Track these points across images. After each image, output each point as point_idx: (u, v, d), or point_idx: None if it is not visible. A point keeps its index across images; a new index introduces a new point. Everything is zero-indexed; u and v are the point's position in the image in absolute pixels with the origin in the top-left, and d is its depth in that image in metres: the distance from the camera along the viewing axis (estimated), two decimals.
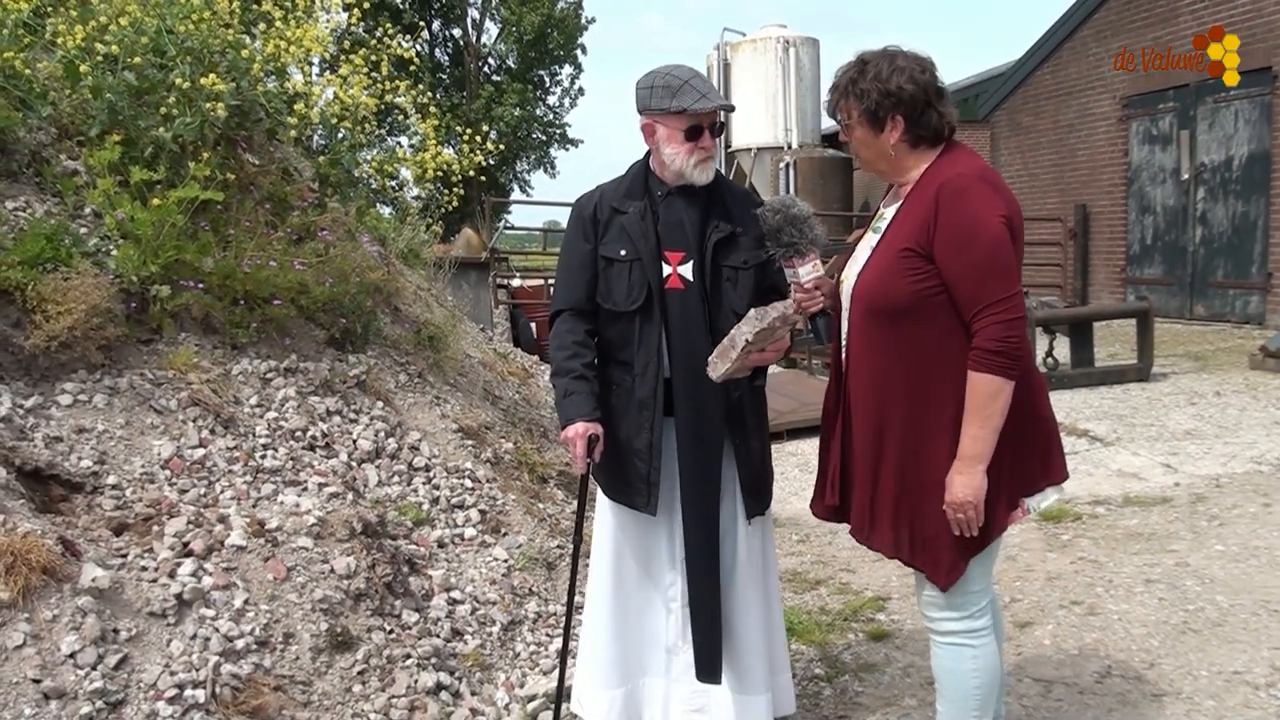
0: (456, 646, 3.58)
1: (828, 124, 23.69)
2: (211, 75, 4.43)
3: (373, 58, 5.49)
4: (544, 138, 36.63)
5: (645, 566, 3.08)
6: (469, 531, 4.19)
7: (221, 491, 3.63)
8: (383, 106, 5.62)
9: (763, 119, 20.02)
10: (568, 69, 36.35)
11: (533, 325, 12.91)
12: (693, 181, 2.91)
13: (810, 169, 19.75)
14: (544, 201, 40.40)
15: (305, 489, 3.82)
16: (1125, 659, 3.79)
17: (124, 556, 3.16)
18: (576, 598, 3.30)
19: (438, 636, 3.55)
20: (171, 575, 3.15)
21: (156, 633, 2.99)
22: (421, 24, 31.95)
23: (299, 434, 4.08)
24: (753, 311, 2.74)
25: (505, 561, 4.11)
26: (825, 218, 19.04)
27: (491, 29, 35.46)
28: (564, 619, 3.27)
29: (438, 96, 29.12)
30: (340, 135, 5.34)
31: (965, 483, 2.49)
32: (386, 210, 7.98)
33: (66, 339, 3.65)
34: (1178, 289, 13.24)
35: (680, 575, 3.03)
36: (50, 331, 3.62)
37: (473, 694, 3.43)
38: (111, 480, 3.43)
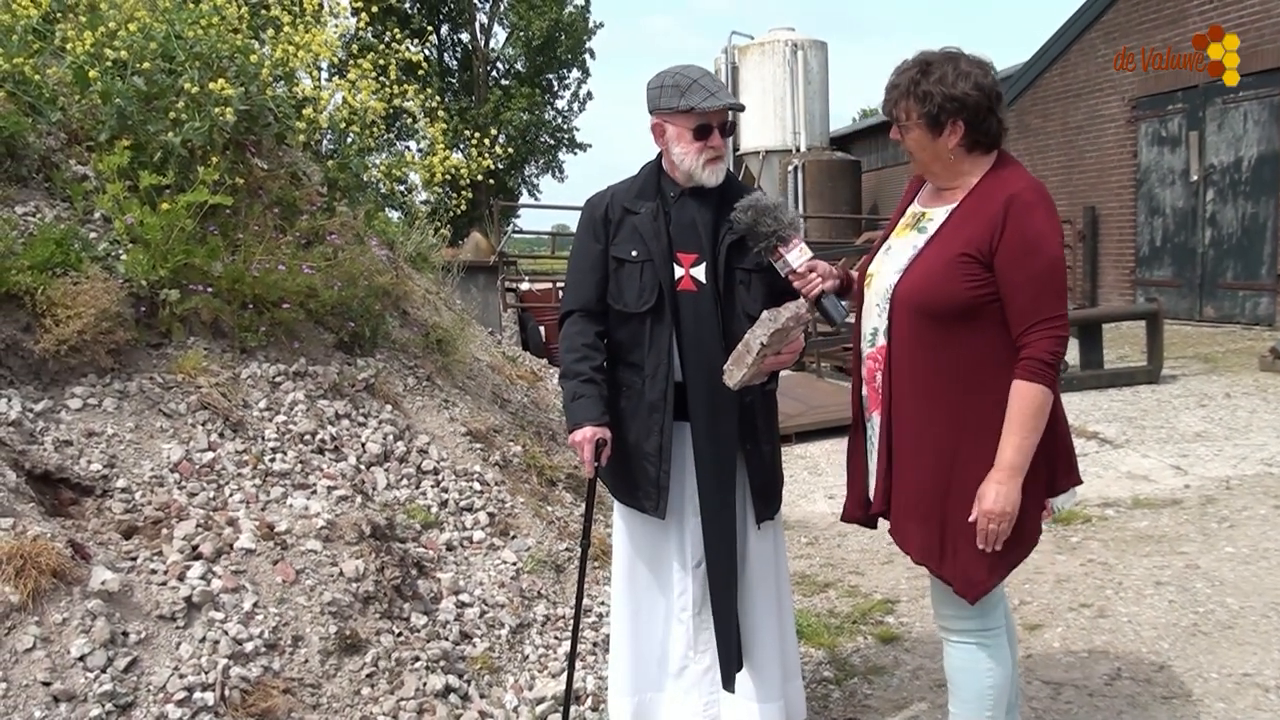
0: (465, 649, 3.59)
1: (836, 126, 23.71)
2: (220, 80, 4.44)
3: (380, 62, 5.50)
4: (552, 142, 36.73)
5: (656, 572, 3.06)
6: (477, 534, 4.19)
7: (230, 495, 3.64)
8: (391, 111, 5.62)
9: (771, 122, 20.05)
10: (575, 73, 36.45)
11: (541, 329, 12.91)
12: (702, 183, 2.89)
13: (818, 172, 19.76)
14: (552, 205, 40.49)
15: (314, 492, 3.83)
16: (1135, 661, 3.77)
17: (133, 560, 3.17)
18: (587, 603, 3.30)
19: (446, 639, 3.55)
20: (181, 578, 3.16)
21: (166, 635, 2.99)
22: (430, 29, 32.05)
23: (308, 437, 4.09)
24: (765, 314, 2.72)
25: (514, 564, 4.11)
26: (833, 220, 19.07)
27: (499, 33, 35.59)
28: (572, 622, 3.27)
29: (446, 101, 29.19)
30: (349, 140, 5.35)
31: (1004, 493, 2.47)
32: (395, 214, 8.01)
33: (76, 343, 3.67)
34: (1187, 290, 13.19)
35: (692, 582, 3.01)
36: (60, 335, 3.63)
37: (481, 697, 3.43)
38: (121, 484, 3.44)
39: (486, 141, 6.25)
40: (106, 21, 4.44)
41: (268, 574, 3.35)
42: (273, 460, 3.88)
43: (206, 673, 2.92)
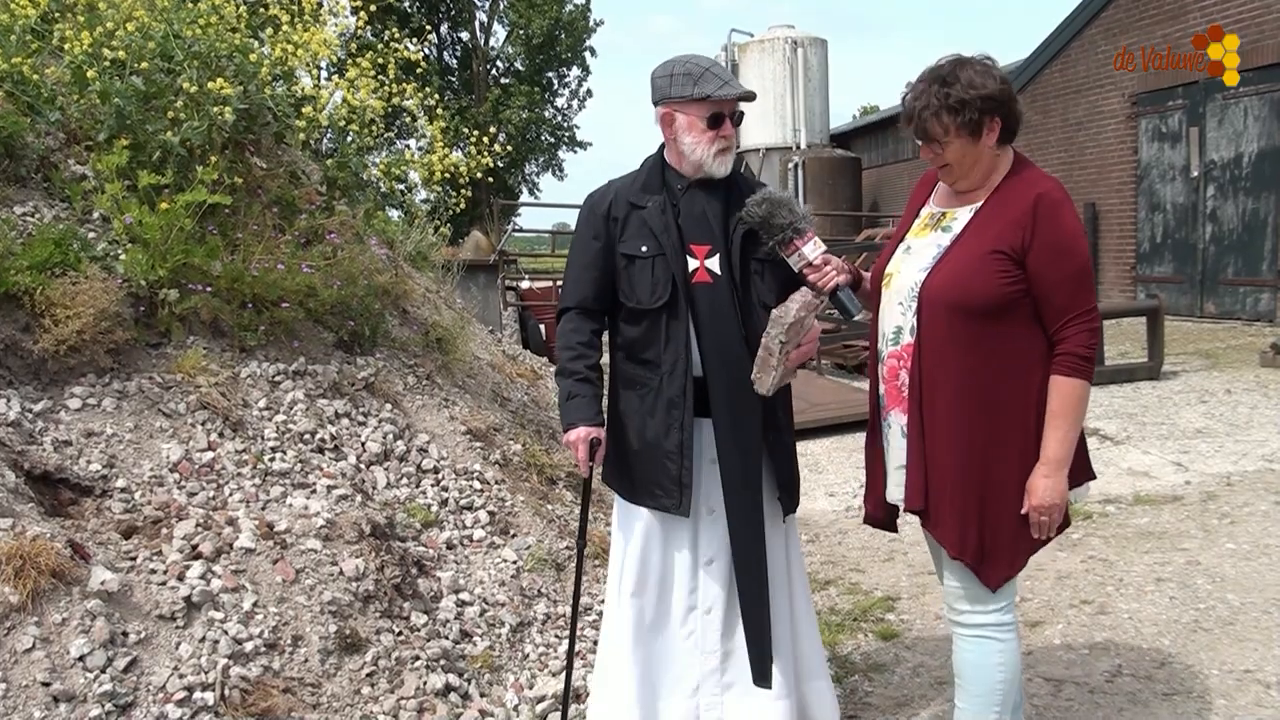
0: (465, 648, 3.59)
1: (836, 124, 23.71)
2: (219, 79, 4.44)
3: (380, 61, 5.50)
4: (552, 140, 36.72)
5: (664, 572, 2.97)
6: (478, 533, 4.19)
7: (230, 494, 3.64)
8: (390, 109, 5.62)
9: (771, 119, 20.04)
10: (575, 71, 36.45)
11: (541, 327, 12.92)
12: (712, 173, 2.84)
13: (819, 169, 19.75)
14: (553, 204, 40.53)
15: (314, 491, 3.83)
16: (1136, 658, 3.77)
17: (133, 559, 3.17)
18: (587, 601, 3.29)
19: (446, 638, 3.55)
20: (180, 578, 3.16)
21: (165, 635, 2.99)
22: (429, 28, 32.04)
23: (307, 436, 4.09)
24: (774, 312, 2.71)
25: (514, 563, 4.11)
26: (834, 218, 19.07)
27: (499, 32, 35.58)
28: (570, 620, 3.26)
29: (445, 99, 29.18)
30: (348, 138, 5.35)
31: (1052, 486, 2.54)
32: (394, 213, 8.01)
33: (75, 343, 3.67)
34: (1188, 287, 13.19)
35: (704, 580, 2.94)
36: (59, 335, 3.63)
37: (481, 695, 3.43)
38: (120, 483, 3.44)
39: (486, 140, 6.25)
40: (105, 21, 4.44)
41: (267, 573, 3.35)
42: (272, 459, 3.88)
43: (206, 672, 2.92)
